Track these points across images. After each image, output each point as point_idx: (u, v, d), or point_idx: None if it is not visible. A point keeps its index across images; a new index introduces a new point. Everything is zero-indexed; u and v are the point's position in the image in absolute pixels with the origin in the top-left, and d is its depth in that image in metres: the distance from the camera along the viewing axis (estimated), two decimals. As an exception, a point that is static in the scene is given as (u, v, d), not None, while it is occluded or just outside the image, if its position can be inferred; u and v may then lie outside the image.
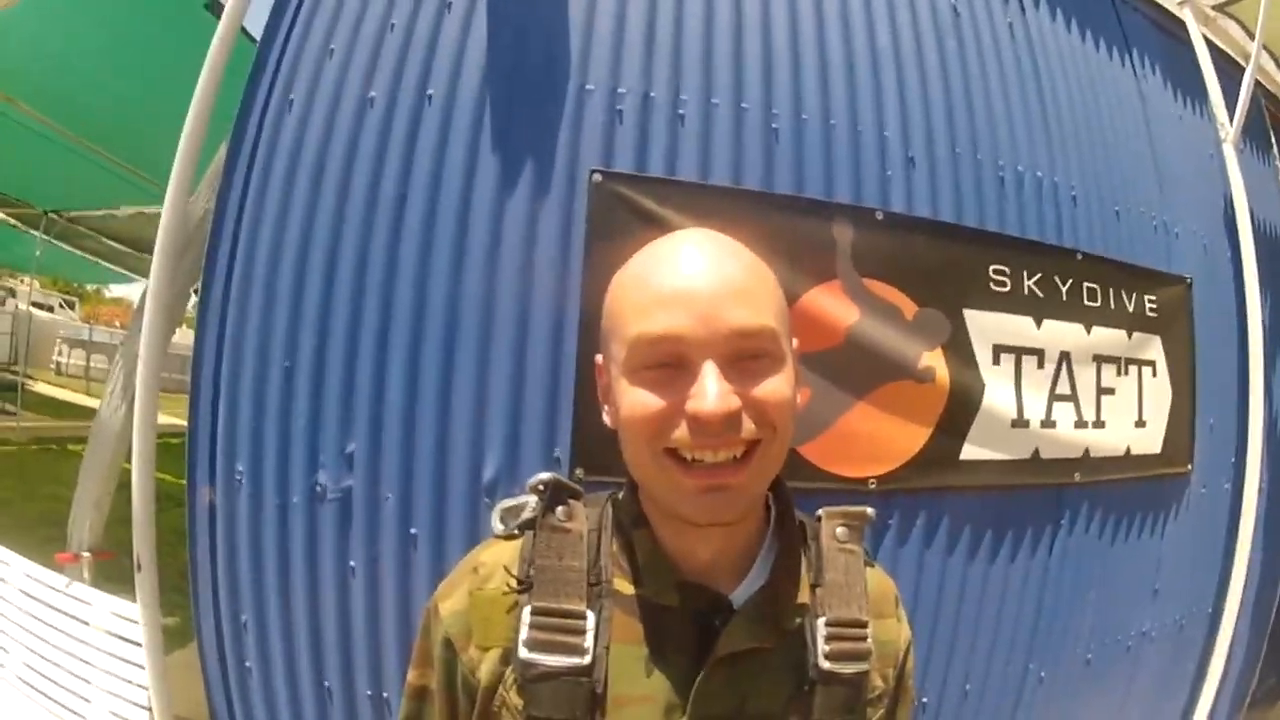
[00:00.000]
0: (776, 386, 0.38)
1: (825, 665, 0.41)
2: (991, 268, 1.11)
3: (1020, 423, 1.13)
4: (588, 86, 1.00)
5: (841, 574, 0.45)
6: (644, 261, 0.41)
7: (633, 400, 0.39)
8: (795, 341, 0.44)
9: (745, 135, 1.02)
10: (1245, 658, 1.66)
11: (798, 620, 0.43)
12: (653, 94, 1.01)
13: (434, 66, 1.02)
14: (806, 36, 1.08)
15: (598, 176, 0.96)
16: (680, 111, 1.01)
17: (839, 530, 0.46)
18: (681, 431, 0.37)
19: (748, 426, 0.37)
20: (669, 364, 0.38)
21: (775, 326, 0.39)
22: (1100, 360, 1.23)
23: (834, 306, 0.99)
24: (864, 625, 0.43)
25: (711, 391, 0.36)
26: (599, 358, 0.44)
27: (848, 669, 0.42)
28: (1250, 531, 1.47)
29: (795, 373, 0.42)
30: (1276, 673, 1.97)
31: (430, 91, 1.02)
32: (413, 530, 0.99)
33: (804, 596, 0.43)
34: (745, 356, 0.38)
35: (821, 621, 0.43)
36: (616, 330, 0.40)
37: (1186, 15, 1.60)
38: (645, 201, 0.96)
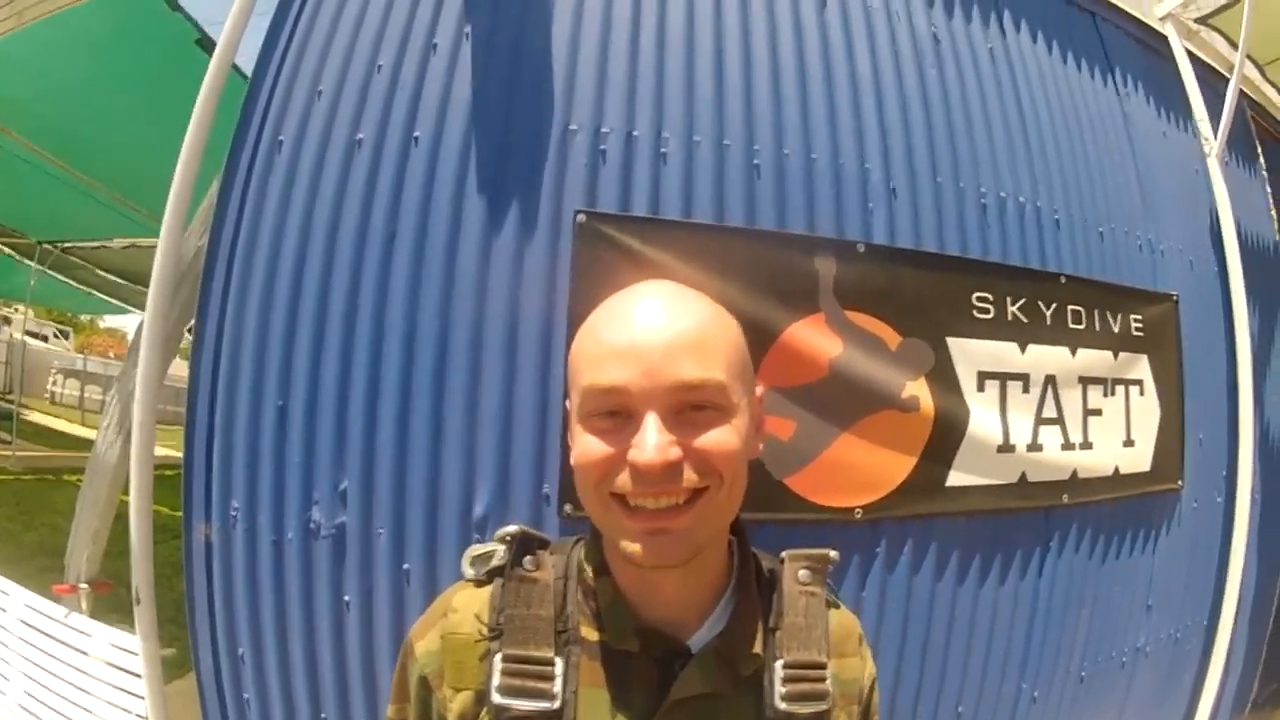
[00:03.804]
0: (721, 437, 0.40)
1: (782, 707, 0.43)
2: (974, 295, 1.12)
3: (1006, 448, 1.14)
4: (571, 127, 1.02)
5: (802, 616, 0.46)
6: (601, 314, 0.43)
7: (582, 446, 0.41)
8: (760, 389, 0.46)
9: (727, 172, 1.03)
10: (1243, 668, 1.67)
11: (752, 666, 0.44)
12: (635, 133, 1.02)
13: (420, 108, 1.04)
14: (787, 70, 1.09)
15: (582, 217, 0.98)
16: (663, 150, 1.02)
17: (801, 573, 0.47)
18: (624, 478, 0.39)
19: (689, 476, 0.39)
20: (617, 413, 0.40)
21: (723, 379, 0.40)
22: (1086, 382, 1.24)
23: (817, 340, 1.00)
24: (822, 667, 0.44)
25: (650, 442, 0.38)
26: (566, 403, 0.46)
27: (805, 710, 0.43)
28: (1244, 543, 1.47)
29: (754, 420, 0.44)
30: (1278, 678, 1.97)
31: (417, 133, 1.03)
32: (405, 566, 1.00)
33: (761, 641, 0.45)
34: (689, 408, 0.40)
35: (779, 664, 0.44)
36: (574, 379, 0.43)
37: (1168, 30, 1.61)
38: (629, 241, 0.97)
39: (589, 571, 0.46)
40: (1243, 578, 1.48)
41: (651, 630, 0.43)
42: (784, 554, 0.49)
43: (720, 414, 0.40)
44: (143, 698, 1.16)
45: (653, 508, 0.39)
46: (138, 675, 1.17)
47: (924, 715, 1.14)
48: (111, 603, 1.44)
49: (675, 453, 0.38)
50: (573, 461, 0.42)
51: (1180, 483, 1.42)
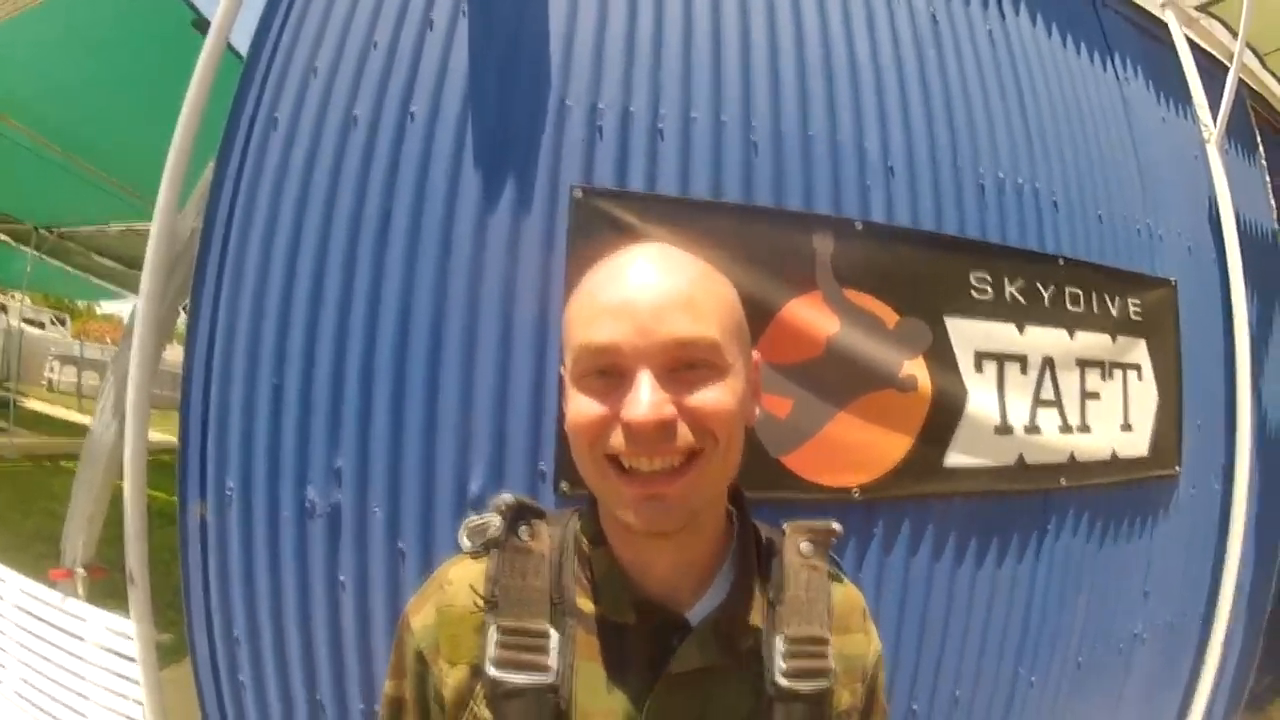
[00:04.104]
0: (716, 396, 0.39)
1: (783, 683, 0.42)
2: (973, 275, 1.11)
3: (1004, 429, 1.13)
4: (568, 102, 1.01)
5: (803, 590, 0.45)
6: (595, 275, 0.43)
7: (575, 407, 0.40)
8: (756, 354, 0.45)
9: (724, 149, 1.03)
10: (1240, 656, 1.66)
11: (753, 640, 0.43)
12: (632, 109, 1.02)
13: (417, 85, 1.03)
14: (785, 48, 1.09)
15: (579, 192, 0.97)
16: (659, 126, 1.02)
17: (803, 545, 0.46)
18: (618, 438, 0.38)
19: (684, 435, 0.38)
20: (610, 373, 0.39)
21: (716, 337, 0.39)
22: (1084, 365, 1.23)
23: (815, 317, 1.00)
24: (824, 642, 0.44)
25: (644, 399, 0.37)
26: (561, 368, 0.45)
27: (807, 686, 0.42)
28: (1242, 529, 1.47)
29: (751, 385, 0.43)
30: (1275, 669, 1.97)
31: (413, 109, 1.03)
32: (400, 545, 0.99)
33: (761, 614, 0.44)
34: (684, 366, 0.39)
35: (779, 639, 0.43)
36: (567, 340, 0.42)
37: (1169, 17, 1.61)
38: (626, 216, 0.96)
39: (585, 542, 0.45)
40: (1240, 565, 1.48)
41: (648, 602, 0.42)
42: (785, 525, 0.48)
43: (715, 373, 0.39)
44: (139, 682, 1.16)
45: (647, 470, 0.38)
46: (133, 660, 1.17)
47: (921, 698, 1.14)
48: (108, 587, 1.43)
49: (669, 410, 0.37)
50: (567, 422, 0.41)
51: (1178, 468, 1.42)
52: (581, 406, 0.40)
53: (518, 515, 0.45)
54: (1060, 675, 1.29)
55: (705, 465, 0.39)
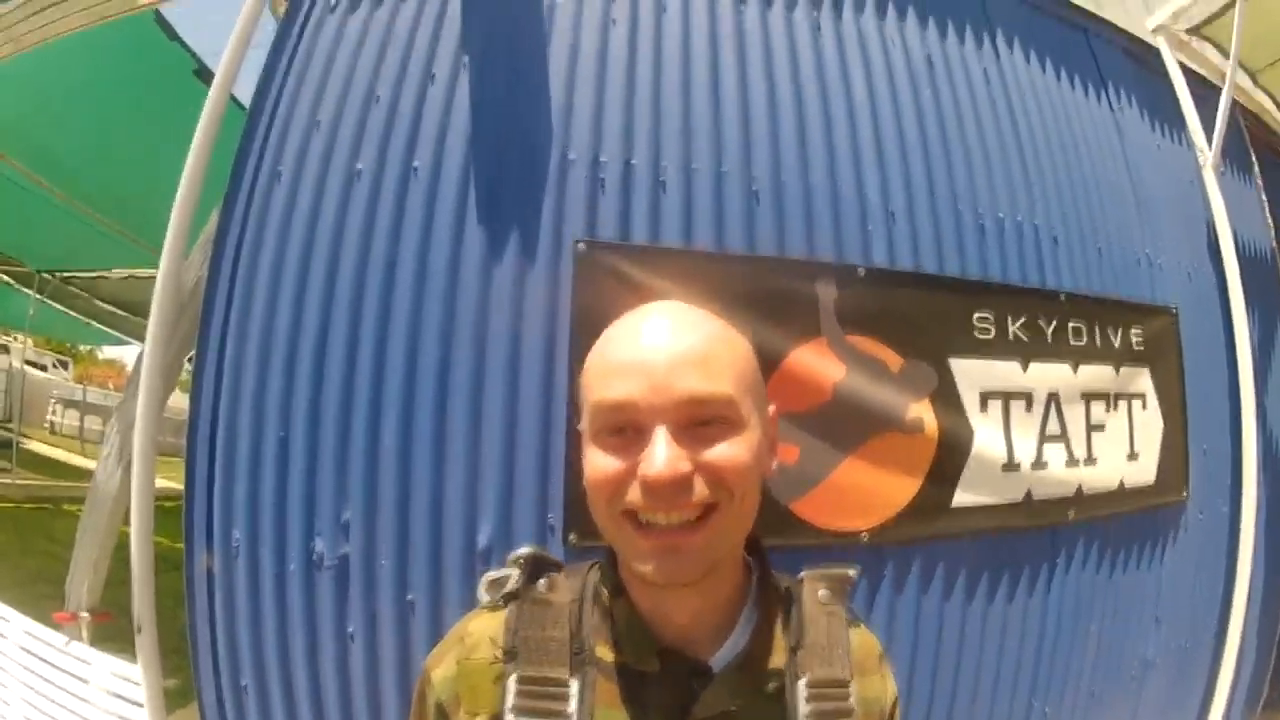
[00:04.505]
0: (732, 452, 0.39)
1: None
2: (975, 315, 1.12)
3: (1011, 466, 1.13)
4: (570, 156, 1.02)
5: (823, 635, 0.45)
6: (611, 333, 0.43)
7: (593, 463, 0.41)
8: (772, 407, 0.45)
9: (726, 199, 1.04)
10: (1254, 673, 1.66)
11: (775, 683, 0.43)
12: (633, 161, 1.02)
13: (419, 138, 1.04)
14: (783, 98, 1.10)
15: (582, 245, 0.98)
16: (661, 178, 1.03)
17: (821, 592, 0.47)
18: (635, 494, 0.39)
19: (700, 490, 0.39)
20: (626, 430, 0.40)
21: (731, 393, 0.40)
22: (1089, 398, 1.24)
23: (820, 364, 1.00)
24: (846, 684, 0.44)
25: (660, 456, 0.38)
26: (579, 425, 0.46)
27: None
28: (1250, 551, 1.47)
29: (767, 438, 0.43)
30: (1288, 680, 1.96)
31: (416, 163, 1.03)
32: (410, 596, 0.99)
33: (783, 658, 0.44)
34: (699, 422, 0.39)
35: (802, 683, 0.43)
36: (584, 398, 0.43)
37: (1160, 42, 1.62)
38: (629, 268, 0.97)
39: (605, 593, 0.45)
40: (1250, 585, 1.47)
41: (671, 650, 0.42)
42: (802, 573, 0.49)
43: (730, 428, 0.40)
44: (144, 729, 1.15)
45: (664, 524, 0.39)
46: (139, 705, 1.16)
47: (935, 737, 1.13)
48: (110, 631, 1.42)
49: (685, 466, 0.38)
50: (585, 478, 0.42)
51: (1185, 494, 1.42)
52: (599, 463, 0.40)
53: (536, 568, 0.46)
54: (1074, 705, 1.28)
55: (721, 519, 0.40)
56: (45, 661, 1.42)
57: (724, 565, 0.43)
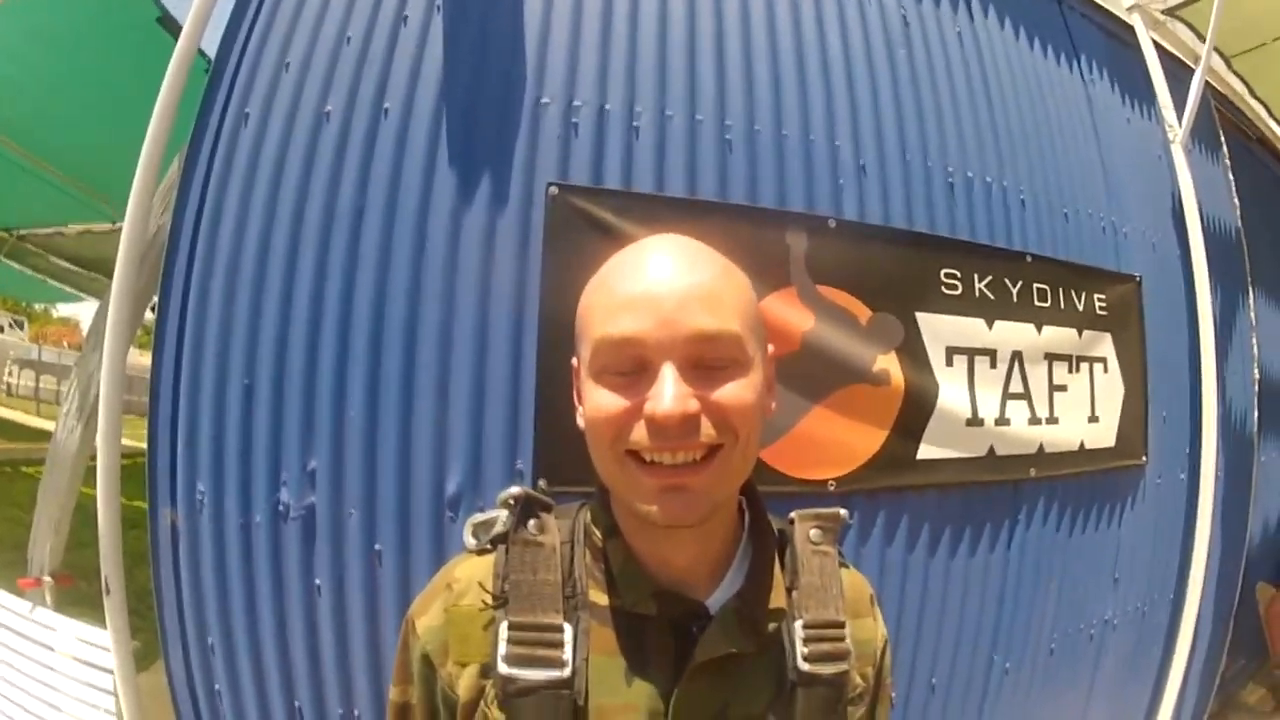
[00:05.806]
0: (738, 391, 0.38)
1: (805, 667, 0.42)
2: (943, 271, 1.14)
3: (975, 421, 1.16)
4: (543, 100, 1.01)
5: (817, 576, 0.45)
6: (613, 266, 0.42)
7: (595, 401, 0.39)
8: (770, 348, 0.45)
9: (699, 147, 1.03)
10: (1211, 640, 1.72)
11: (774, 624, 0.43)
12: (608, 107, 1.02)
13: (390, 80, 1.02)
14: (759, 48, 1.10)
15: (554, 189, 0.97)
16: (635, 124, 1.02)
17: (812, 532, 0.47)
18: (640, 433, 0.38)
19: (707, 430, 0.38)
20: (631, 367, 0.38)
21: (739, 331, 0.39)
22: (1052, 358, 1.27)
23: (789, 313, 1.01)
24: (841, 626, 0.44)
25: (668, 394, 0.36)
26: (574, 360, 0.44)
27: (827, 670, 0.42)
28: (1209, 517, 1.52)
29: (767, 379, 0.43)
30: (1246, 654, 2.03)
31: (387, 105, 1.02)
32: (377, 546, 0.98)
33: (780, 600, 0.44)
34: (707, 360, 0.38)
35: (799, 624, 0.43)
36: (584, 333, 0.41)
37: (1135, 20, 1.65)
38: (601, 213, 0.97)
39: (598, 534, 0.44)
40: (1208, 554, 1.52)
41: (668, 592, 0.41)
42: (793, 514, 0.48)
43: (736, 368, 0.39)
44: (112, 693, 1.13)
45: (669, 463, 0.38)
46: (107, 670, 1.14)
47: (898, 687, 1.16)
48: (73, 595, 1.40)
49: (693, 404, 0.37)
50: (586, 417, 0.40)
51: (1144, 458, 1.46)
52: (602, 400, 0.39)
53: (527, 509, 0.44)
54: (1034, 661, 1.32)
55: (726, 460, 0.39)
56: (10, 629, 1.39)
57: (723, 507, 0.42)
